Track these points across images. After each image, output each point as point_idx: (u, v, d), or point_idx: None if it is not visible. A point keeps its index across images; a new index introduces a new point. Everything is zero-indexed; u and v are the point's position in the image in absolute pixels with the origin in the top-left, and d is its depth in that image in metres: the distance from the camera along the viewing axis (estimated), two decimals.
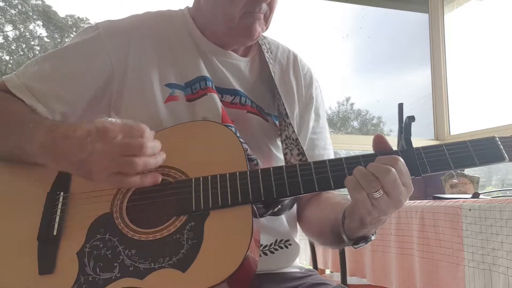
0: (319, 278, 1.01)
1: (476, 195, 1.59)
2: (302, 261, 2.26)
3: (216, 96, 0.94)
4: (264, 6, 0.91)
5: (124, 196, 0.80)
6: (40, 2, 4.28)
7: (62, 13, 4.31)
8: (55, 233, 0.76)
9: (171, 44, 0.97)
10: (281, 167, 0.80)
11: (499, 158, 0.78)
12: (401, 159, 0.73)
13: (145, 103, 0.92)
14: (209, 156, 0.82)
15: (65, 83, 0.91)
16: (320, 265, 2.27)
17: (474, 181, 1.91)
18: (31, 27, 4.26)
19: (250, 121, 0.98)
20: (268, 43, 1.08)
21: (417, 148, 0.79)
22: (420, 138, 3.17)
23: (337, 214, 0.84)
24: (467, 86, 3.22)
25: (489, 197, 1.58)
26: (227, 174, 0.78)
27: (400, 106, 0.81)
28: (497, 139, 0.80)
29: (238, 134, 0.89)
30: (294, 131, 0.96)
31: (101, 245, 0.74)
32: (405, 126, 0.80)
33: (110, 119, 1.07)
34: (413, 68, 3.73)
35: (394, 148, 0.81)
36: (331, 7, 3.16)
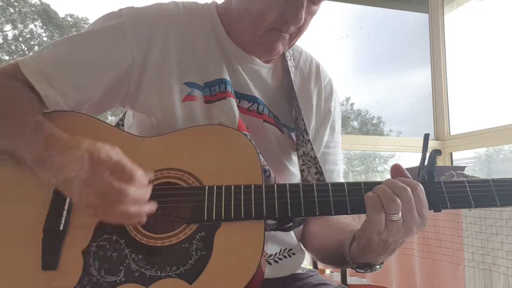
0: (319, 278, 1.01)
1: None
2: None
3: (234, 102, 0.91)
4: (293, 28, 0.88)
5: None
6: (39, 1, 4.27)
7: (61, 13, 4.31)
8: (61, 228, 0.74)
9: (195, 40, 0.93)
10: (297, 184, 0.78)
11: None
12: (421, 186, 0.71)
13: (162, 99, 0.88)
14: (224, 163, 0.80)
15: (82, 70, 0.87)
16: (320, 265, 2.27)
17: None
18: (30, 26, 4.26)
19: (265, 131, 0.95)
20: (291, 50, 1.04)
21: (438, 182, 0.77)
22: (420, 138, 3.17)
23: (345, 235, 0.82)
24: (467, 86, 3.22)
25: None
26: (242, 186, 0.76)
27: (426, 136, 0.80)
28: None
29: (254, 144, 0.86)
30: (312, 149, 0.93)
31: (107, 246, 0.73)
32: (429, 159, 0.78)
33: (125, 110, 1.02)
34: (413, 68, 3.72)
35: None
36: (331, 7, 3.16)
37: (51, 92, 0.84)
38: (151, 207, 0.71)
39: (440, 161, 3.13)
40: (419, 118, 3.41)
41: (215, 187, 0.76)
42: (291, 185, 0.78)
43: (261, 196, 0.75)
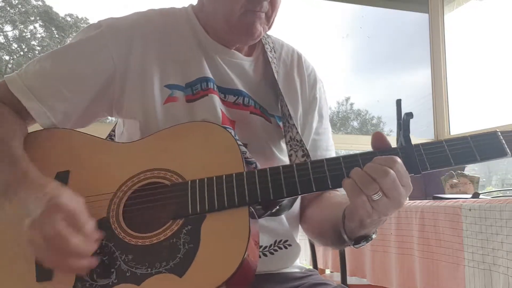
0: (319, 278, 1.01)
1: (476, 195, 1.59)
2: (302, 261, 2.26)
3: (216, 97, 0.92)
4: (266, 4, 0.89)
5: (120, 200, 0.79)
6: (40, 2, 4.28)
7: (62, 13, 4.31)
8: None
9: (174, 43, 0.95)
10: (278, 167, 0.78)
11: (501, 153, 0.76)
12: (399, 160, 0.72)
13: (144, 104, 0.91)
14: (206, 158, 0.81)
15: (67, 81, 0.90)
16: (320, 265, 2.27)
17: (474, 181, 1.90)
18: (31, 27, 4.26)
19: (253, 122, 0.97)
20: (272, 42, 1.06)
21: (416, 145, 0.77)
22: (420, 138, 3.17)
23: (337, 215, 0.84)
24: (467, 86, 3.22)
25: (489, 197, 1.57)
26: (224, 176, 0.77)
27: (398, 102, 0.79)
28: (499, 133, 0.78)
29: (236, 137, 0.87)
30: (298, 132, 0.95)
31: (98, 251, 0.73)
32: (403, 123, 0.78)
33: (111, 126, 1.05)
34: (413, 68, 3.73)
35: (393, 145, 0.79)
36: (331, 7, 3.16)
37: (39, 107, 0.88)
38: (92, 262, 0.71)
39: None
40: (419, 118, 3.41)
41: (197, 180, 0.77)
42: (271, 168, 0.78)
43: (243, 183, 0.76)
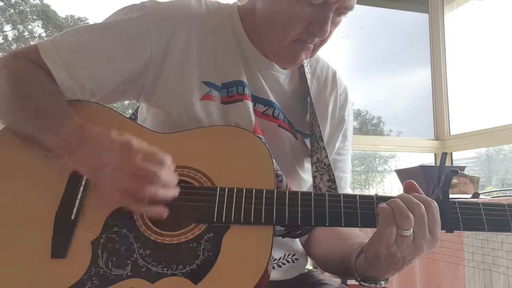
0: (320, 278, 1.01)
1: (476, 195, 1.59)
2: None
3: (250, 105, 0.90)
4: (317, 39, 0.88)
5: None
6: (39, 2, 4.27)
7: (61, 13, 4.31)
8: (73, 217, 0.74)
9: (215, 41, 0.92)
10: (309, 193, 0.77)
11: None
12: (436, 204, 0.71)
13: (180, 96, 0.88)
14: (237, 165, 0.80)
15: (101, 62, 0.87)
16: None
17: (474, 181, 1.90)
18: (30, 27, 4.26)
19: (280, 136, 0.95)
20: None
21: (453, 202, 0.76)
22: (420, 138, 3.17)
23: (352, 246, 0.82)
24: (467, 86, 3.22)
25: (489, 197, 1.57)
26: (253, 190, 0.76)
27: (444, 156, 0.79)
28: None
29: (268, 147, 0.86)
30: (327, 156, 0.93)
31: (116, 239, 0.73)
32: (445, 178, 0.77)
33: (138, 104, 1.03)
34: (413, 68, 3.73)
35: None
36: None
37: (70, 82, 0.85)
38: (176, 192, 0.73)
39: (440, 161, 3.13)
40: (419, 118, 3.41)
41: (226, 189, 0.76)
42: (303, 193, 0.77)
43: (272, 202, 0.75)
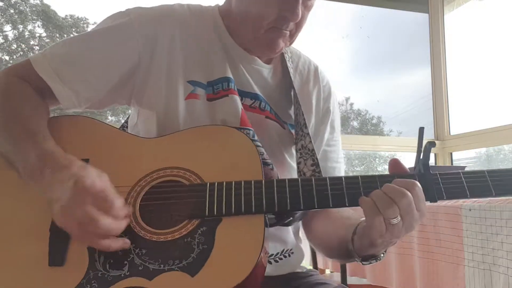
0: (319, 278, 1.01)
1: None
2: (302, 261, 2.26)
3: (237, 98, 0.94)
4: (292, 25, 0.92)
5: (138, 194, 0.79)
6: (39, 2, 4.28)
7: (61, 13, 4.31)
8: None
9: (199, 41, 0.96)
10: (296, 179, 0.80)
11: None
12: (419, 184, 0.73)
13: (167, 96, 0.91)
14: (225, 161, 0.82)
15: (93, 68, 0.90)
16: (320, 265, 2.27)
17: None
18: (30, 27, 4.26)
19: (268, 127, 0.98)
20: (290, 52, 1.08)
21: (434, 173, 0.79)
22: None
23: (346, 230, 0.84)
24: (467, 86, 3.22)
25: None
26: (242, 182, 0.78)
27: (421, 130, 0.80)
28: None
29: (255, 138, 0.90)
30: (311, 141, 0.96)
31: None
32: (424, 151, 0.79)
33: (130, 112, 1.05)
34: (413, 68, 3.73)
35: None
36: (331, 7, 3.16)
37: (65, 90, 0.88)
38: (122, 243, 0.73)
39: (440, 161, 3.13)
40: (419, 118, 3.41)
41: (216, 183, 0.78)
42: (290, 180, 0.80)
43: (261, 191, 0.77)
